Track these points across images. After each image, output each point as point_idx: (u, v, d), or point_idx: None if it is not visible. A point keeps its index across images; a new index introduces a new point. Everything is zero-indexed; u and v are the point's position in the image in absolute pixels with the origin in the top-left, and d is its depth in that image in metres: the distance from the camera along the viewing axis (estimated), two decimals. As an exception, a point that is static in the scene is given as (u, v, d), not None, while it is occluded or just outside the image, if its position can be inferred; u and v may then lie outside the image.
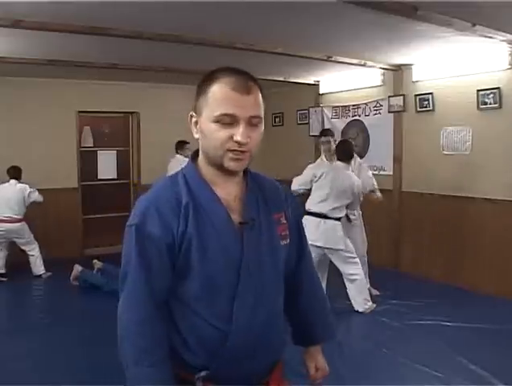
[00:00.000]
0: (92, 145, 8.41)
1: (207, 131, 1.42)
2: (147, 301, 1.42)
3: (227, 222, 1.47)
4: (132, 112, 8.44)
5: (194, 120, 1.50)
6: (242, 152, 1.41)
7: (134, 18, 4.31)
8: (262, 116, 1.46)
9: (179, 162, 6.77)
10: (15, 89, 7.15)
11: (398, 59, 6.23)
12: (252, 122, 1.42)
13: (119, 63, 6.21)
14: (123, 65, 6.31)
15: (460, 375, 3.81)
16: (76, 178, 7.98)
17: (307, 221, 4.77)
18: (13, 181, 6.51)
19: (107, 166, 8.33)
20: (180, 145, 7.54)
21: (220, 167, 1.45)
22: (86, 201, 8.17)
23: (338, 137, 7.86)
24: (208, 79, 1.45)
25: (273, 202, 1.63)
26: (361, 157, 7.47)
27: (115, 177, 8.52)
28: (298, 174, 5.57)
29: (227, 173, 1.47)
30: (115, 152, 8.43)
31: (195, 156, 1.56)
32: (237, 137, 1.38)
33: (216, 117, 1.39)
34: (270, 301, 1.54)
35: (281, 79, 7.68)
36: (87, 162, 8.21)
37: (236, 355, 1.47)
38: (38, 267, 6.67)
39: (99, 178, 8.37)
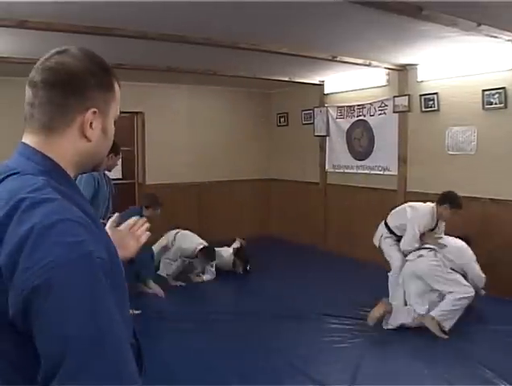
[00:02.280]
0: None
1: (110, 130, 1.23)
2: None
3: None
4: (137, 112, 8.44)
5: (92, 117, 1.17)
6: None
7: (138, 18, 4.32)
8: None
9: None
10: (20, 89, 7.14)
11: (403, 59, 6.21)
12: None
13: (124, 63, 6.21)
14: (128, 65, 6.31)
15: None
16: (81, 178, 7.96)
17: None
18: None
19: (112, 165, 8.33)
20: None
21: (92, 168, 1.28)
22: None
23: (343, 138, 7.90)
24: (110, 72, 1.23)
25: None
26: (366, 157, 7.50)
27: (120, 177, 8.52)
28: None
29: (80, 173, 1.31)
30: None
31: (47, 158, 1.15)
32: None
33: (117, 116, 1.25)
34: None
35: (286, 79, 7.68)
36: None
37: None
38: None
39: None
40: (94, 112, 1.16)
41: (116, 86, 1.23)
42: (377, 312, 4.69)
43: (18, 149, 1.16)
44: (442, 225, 5.31)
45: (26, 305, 0.89)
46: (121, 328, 0.97)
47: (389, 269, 5.46)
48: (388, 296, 5.19)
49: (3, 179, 1.07)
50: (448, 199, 5.10)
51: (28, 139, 1.16)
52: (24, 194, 0.99)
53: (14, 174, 1.08)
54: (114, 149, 4.45)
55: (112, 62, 6.12)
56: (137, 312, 4.86)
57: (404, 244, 5.16)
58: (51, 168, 1.13)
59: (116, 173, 8.35)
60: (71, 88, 1.13)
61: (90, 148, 1.19)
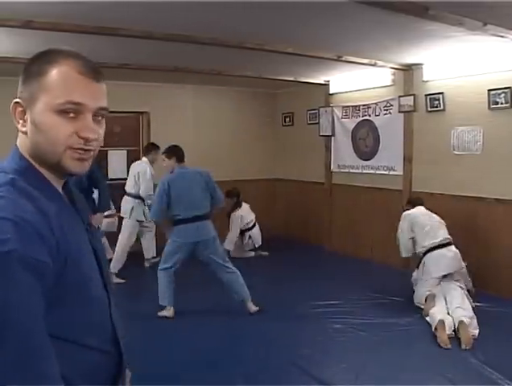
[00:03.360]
0: (102, 144, 8.40)
1: (43, 123, 1.12)
2: (54, 365, 1.01)
3: (83, 230, 1.26)
4: (142, 112, 8.46)
5: (20, 109, 1.16)
6: (87, 151, 1.17)
7: (144, 19, 4.33)
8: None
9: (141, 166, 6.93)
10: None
11: (409, 58, 6.20)
12: (98, 115, 1.18)
13: (130, 63, 6.23)
14: (134, 65, 6.33)
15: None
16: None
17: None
18: None
19: (117, 165, 8.35)
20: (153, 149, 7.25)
21: (54, 168, 1.17)
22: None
23: (348, 138, 7.89)
24: (42, 61, 1.15)
25: (85, 211, 1.39)
26: (372, 157, 7.49)
27: (125, 177, 8.53)
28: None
29: (62, 175, 1.21)
30: (125, 152, 8.44)
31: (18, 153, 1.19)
32: (85, 133, 1.14)
33: (58, 106, 1.11)
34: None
35: (291, 79, 7.69)
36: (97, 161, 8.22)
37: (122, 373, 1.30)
38: None
39: (109, 177, 8.37)
40: (16, 104, 1.16)
41: (49, 73, 1.13)
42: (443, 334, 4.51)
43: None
44: None
45: None
46: (35, 325, 0.98)
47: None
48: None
49: None
50: None
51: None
52: None
53: None
54: None
55: (118, 62, 6.18)
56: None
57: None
58: (25, 167, 1.15)
59: (121, 172, 8.41)
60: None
61: (30, 142, 1.16)
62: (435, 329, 4.59)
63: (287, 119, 9.45)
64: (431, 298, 4.89)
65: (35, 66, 1.15)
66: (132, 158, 8.57)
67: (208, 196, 5.27)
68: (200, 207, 5.18)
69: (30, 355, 0.95)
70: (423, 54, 5.88)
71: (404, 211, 5.71)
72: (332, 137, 8.25)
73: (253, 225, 7.98)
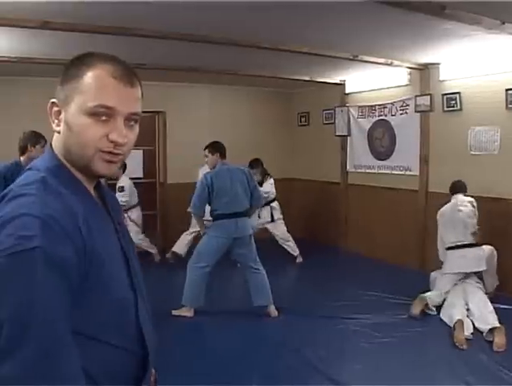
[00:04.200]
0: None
1: (75, 125, 1.15)
2: (77, 365, 1.02)
3: (113, 230, 1.27)
4: (158, 112, 8.50)
5: (56, 109, 1.19)
6: (116, 154, 1.19)
7: (160, 18, 4.35)
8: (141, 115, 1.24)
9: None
10: (44, 89, 7.24)
11: (425, 58, 6.17)
12: (131, 120, 1.20)
13: (146, 63, 6.26)
14: (150, 65, 6.35)
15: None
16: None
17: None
18: None
19: (134, 164, 8.37)
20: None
21: (84, 169, 1.19)
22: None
23: (364, 138, 7.86)
24: (80, 63, 1.18)
25: (117, 211, 1.41)
26: (388, 157, 7.45)
27: (141, 176, 8.58)
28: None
29: (92, 177, 1.24)
30: (142, 151, 8.49)
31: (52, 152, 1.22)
32: (115, 137, 1.16)
33: (90, 109, 1.13)
34: (148, 307, 1.34)
35: (306, 78, 7.68)
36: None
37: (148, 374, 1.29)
38: None
39: (126, 176, 8.43)
40: (53, 104, 1.20)
41: (86, 77, 1.15)
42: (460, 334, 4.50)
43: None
44: None
45: None
46: (59, 322, 0.98)
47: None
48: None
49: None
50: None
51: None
52: (15, 186, 1.09)
53: (29, 169, 1.18)
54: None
55: (134, 62, 6.19)
56: None
57: None
58: (56, 166, 1.18)
59: (137, 172, 8.45)
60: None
61: (62, 142, 1.20)
62: (454, 328, 4.56)
63: (303, 119, 9.44)
64: (460, 325, 4.61)
65: (72, 68, 1.18)
66: (148, 158, 8.64)
67: (248, 194, 5.30)
68: (240, 204, 5.20)
69: (53, 353, 0.96)
70: (440, 53, 5.84)
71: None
72: (348, 137, 8.23)
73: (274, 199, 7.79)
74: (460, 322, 4.55)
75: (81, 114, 1.14)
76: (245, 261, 5.27)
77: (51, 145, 1.23)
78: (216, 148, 5.33)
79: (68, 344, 1.00)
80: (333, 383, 3.77)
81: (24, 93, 7.06)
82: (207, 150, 5.34)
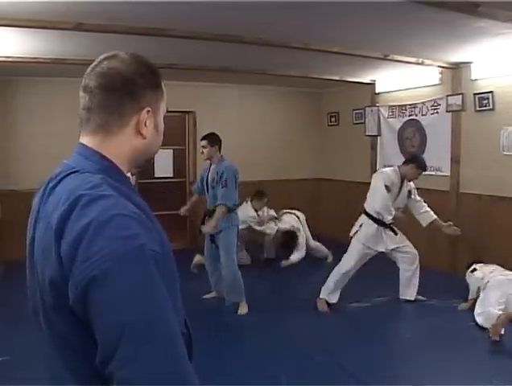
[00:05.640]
0: None
1: (162, 128, 1.32)
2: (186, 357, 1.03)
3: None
4: (188, 112, 8.57)
5: (147, 116, 1.26)
6: None
7: (191, 19, 4.40)
8: None
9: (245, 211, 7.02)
10: (75, 89, 7.37)
11: (457, 56, 6.10)
12: None
13: (176, 63, 6.32)
14: (180, 65, 6.42)
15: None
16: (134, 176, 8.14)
17: None
18: None
19: (164, 164, 8.47)
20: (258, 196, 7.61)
21: (143, 163, 1.35)
22: (143, 199, 8.31)
23: (395, 138, 7.81)
24: (154, 73, 1.30)
25: None
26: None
27: (171, 175, 8.67)
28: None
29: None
30: (172, 151, 8.57)
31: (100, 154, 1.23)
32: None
33: (163, 114, 1.33)
34: None
35: (336, 78, 7.66)
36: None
37: None
38: None
39: (156, 176, 8.51)
40: (148, 112, 1.25)
41: (162, 85, 1.31)
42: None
43: (77, 150, 1.24)
44: (408, 185, 5.70)
45: (84, 293, 0.96)
46: (172, 316, 1.01)
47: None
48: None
49: (64, 177, 1.16)
50: (414, 160, 5.64)
51: (86, 140, 1.24)
52: (83, 190, 1.07)
53: (74, 172, 1.16)
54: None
55: (165, 62, 6.27)
56: None
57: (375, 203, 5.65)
58: (108, 167, 1.21)
59: (167, 171, 8.54)
60: (125, 91, 1.21)
61: (145, 144, 1.28)
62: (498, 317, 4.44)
63: (333, 119, 9.42)
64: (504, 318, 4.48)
65: (153, 77, 1.29)
66: (178, 157, 8.72)
67: None
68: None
69: (177, 352, 0.98)
70: (472, 52, 5.77)
71: None
72: (378, 137, 8.19)
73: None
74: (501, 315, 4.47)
75: (162, 117, 1.31)
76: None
77: (87, 147, 1.22)
78: (215, 140, 5.33)
79: (182, 342, 1.02)
80: (361, 384, 3.77)
81: (60, 93, 7.22)
82: (206, 141, 5.30)
